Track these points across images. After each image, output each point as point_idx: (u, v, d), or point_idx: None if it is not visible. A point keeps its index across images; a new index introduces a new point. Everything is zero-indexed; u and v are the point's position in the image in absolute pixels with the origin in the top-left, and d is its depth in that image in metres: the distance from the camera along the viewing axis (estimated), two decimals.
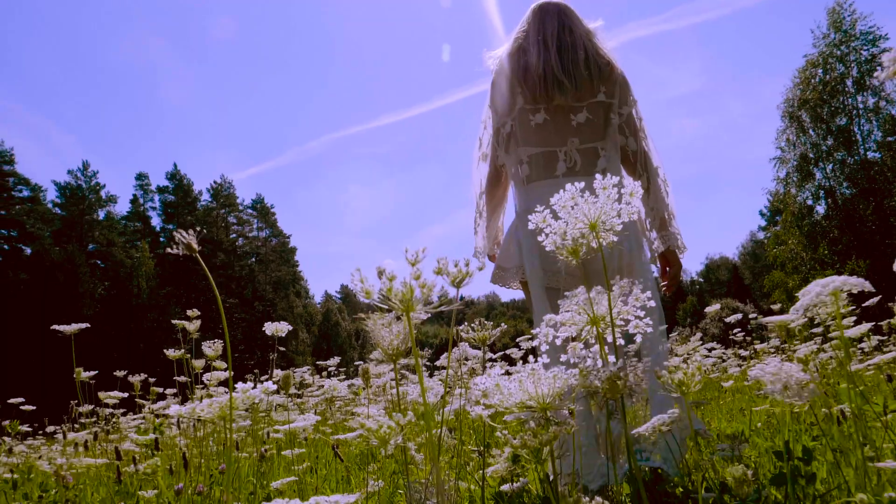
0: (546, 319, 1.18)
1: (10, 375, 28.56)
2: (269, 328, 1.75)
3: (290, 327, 1.82)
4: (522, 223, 2.28)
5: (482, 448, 2.27)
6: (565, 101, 2.25)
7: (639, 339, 1.14)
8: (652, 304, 1.11)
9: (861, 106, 27.09)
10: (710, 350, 5.48)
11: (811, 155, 27.46)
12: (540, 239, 1.15)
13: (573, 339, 1.17)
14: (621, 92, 2.31)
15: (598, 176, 1.10)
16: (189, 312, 2.32)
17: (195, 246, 0.83)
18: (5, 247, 37.93)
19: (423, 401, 0.81)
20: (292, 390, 5.71)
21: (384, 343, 1.01)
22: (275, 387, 0.91)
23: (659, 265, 2.43)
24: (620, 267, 2.21)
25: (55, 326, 1.76)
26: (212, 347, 2.13)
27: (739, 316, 3.97)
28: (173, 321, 2.29)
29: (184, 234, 0.81)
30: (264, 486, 1.75)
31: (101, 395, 2.81)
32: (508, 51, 2.39)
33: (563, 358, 1.16)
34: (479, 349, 1.78)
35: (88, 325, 1.81)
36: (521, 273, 2.32)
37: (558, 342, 1.19)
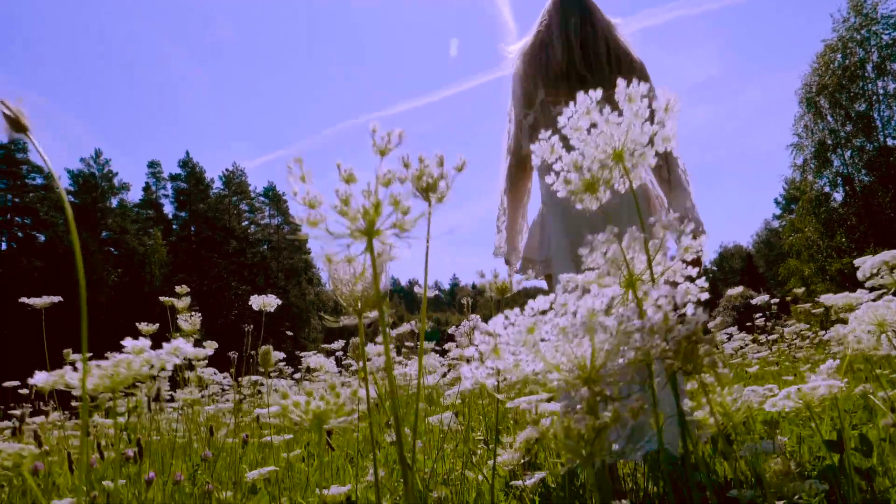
0: (563, 281, 0.87)
1: (10, 362, 28.87)
2: (256, 302, 1.61)
3: (279, 301, 1.68)
4: (548, 210, 2.34)
5: (489, 437, 2.08)
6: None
7: (690, 310, 0.82)
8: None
9: (881, 91, 26.54)
10: (729, 336, 5.30)
11: (829, 141, 26.96)
12: (549, 180, 0.88)
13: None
14: None
15: (620, 81, 0.86)
16: (178, 289, 2.19)
17: (25, 122, 0.62)
18: (20, 234, 38.19)
19: (386, 363, 0.63)
20: (295, 373, 5.57)
21: (344, 288, 0.75)
22: (190, 348, 0.71)
23: None
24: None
25: (24, 299, 1.63)
26: (189, 322, 2.00)
27: (766, 297, 3.76)
28: (160, 298, 2.17)
29: (7, 104, 0.60)
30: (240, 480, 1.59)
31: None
32: (530, 43, 2.40)
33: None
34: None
35: (61, 299, 1.68)
36: (548, 266, 2.37)
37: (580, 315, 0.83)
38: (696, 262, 2.48)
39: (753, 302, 3.84)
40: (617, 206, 2.27)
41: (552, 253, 2.33)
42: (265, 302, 1.64)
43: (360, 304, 0.76)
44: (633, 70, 2.34)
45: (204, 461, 1.65)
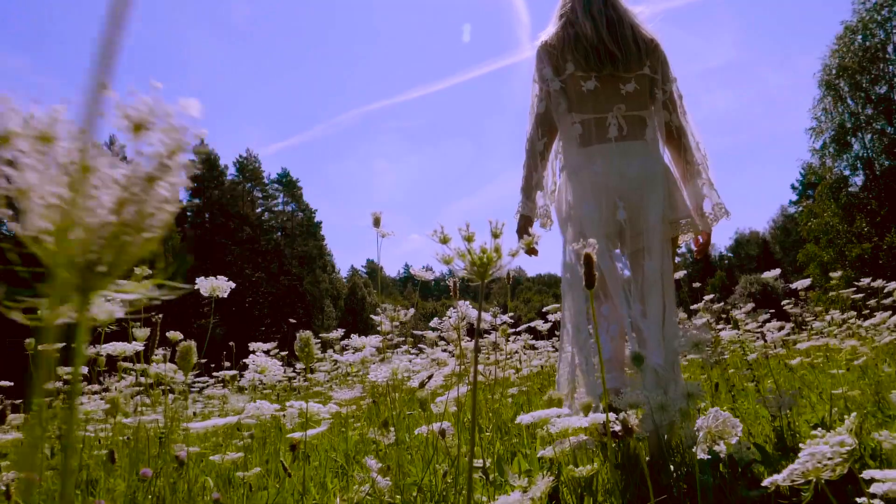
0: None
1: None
2: (204, 286, 1.44)
3: (232, 284, 1.54)
4: (572, 183, 2.41)
5: (490, 465, 1.75)
6: (615, 71, 2.38)
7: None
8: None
9: None
10: (762, 323, 5.09)
11: (849, 125, 26.46)
12: None
13: None
14: (663, 69, 2.45)
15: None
16: (136, 271, 1.99)
17: None
18: None
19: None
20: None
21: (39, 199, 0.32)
22: None
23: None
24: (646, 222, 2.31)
25: None
26: (104, 311, 1.85)
27: (808, 281, 3.54)
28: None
29: None
30: None
31: (60, 370, 2.58)
32: (557, 26, 2.50)
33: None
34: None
35: None
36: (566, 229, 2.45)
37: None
38: (704, 248, 2.55)
39: (795, 286, 3.57)
40: (636, 182, 2.33)
41: (568, 221, 2.43)
42: (214, 286, 1.49)
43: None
44: (658, 54, 2.45)
45: (143, 481, 1.47)
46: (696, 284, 5.54)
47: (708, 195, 2.46)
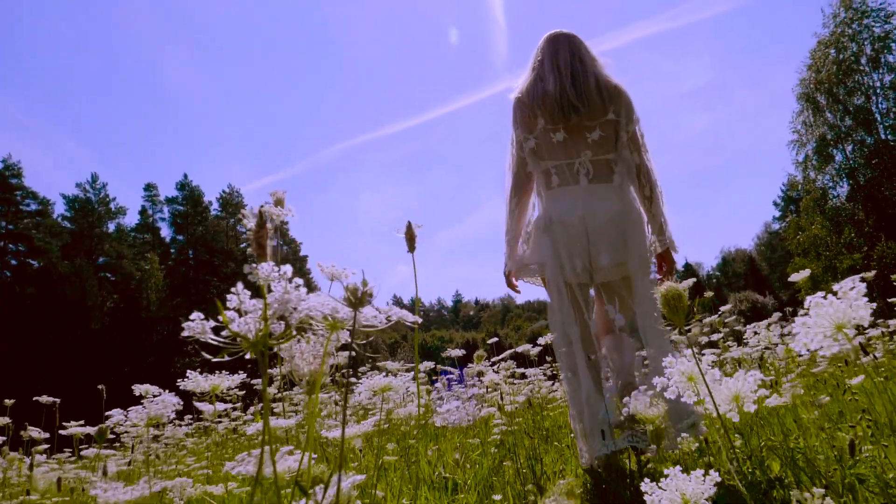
0: None
1: None
2: None
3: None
4: (545, 225, 2.61)
5: None
6: (580, 121, 2.56)
7: None
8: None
9: (878, 84, 26.17)
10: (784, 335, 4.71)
11: (830, 136, 26.53)
12: None
13: None
14: (627, 112, 2.60)
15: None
16: None
17: None
18: (13, 262, 37.65)
19: None
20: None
21: None
22: None
23: (655, 263, 2.72)
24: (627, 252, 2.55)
25: None
26: None
27: (859, 280, 3.15)
28: None
29: None
30: None
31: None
32: (528, 80, 2.68)
33: None
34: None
35: None
36: (542, 270, 2.66)
37: None
38: (669, 274, 2.77)
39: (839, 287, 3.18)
40: (603, 224, 2.51)
41: (545, 258, 2.60)
42: None
43: None
44: (621, 98, 2.60)
45: None
46: (709, 294, 5.18)
47: (666, 227, 2.68)
